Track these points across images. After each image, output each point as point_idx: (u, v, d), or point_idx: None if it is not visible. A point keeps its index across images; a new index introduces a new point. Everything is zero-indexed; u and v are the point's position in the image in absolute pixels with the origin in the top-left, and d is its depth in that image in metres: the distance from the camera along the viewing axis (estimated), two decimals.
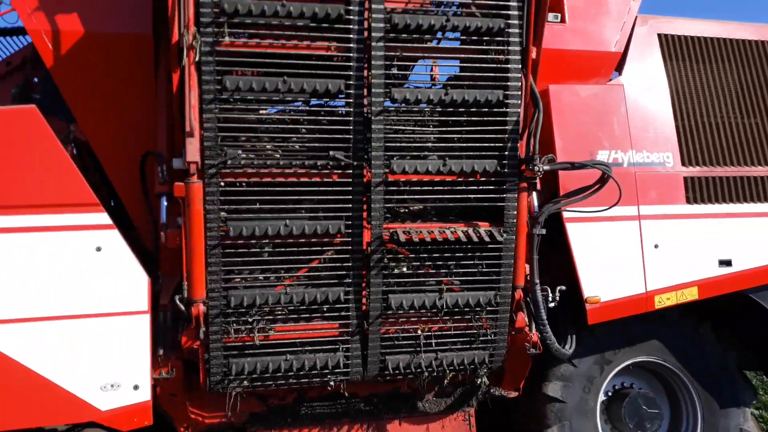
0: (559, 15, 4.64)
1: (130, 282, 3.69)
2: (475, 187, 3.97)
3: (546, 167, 3.94)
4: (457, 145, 3.95)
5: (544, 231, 4.16)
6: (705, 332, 5.00)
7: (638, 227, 4.56)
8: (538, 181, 4.20)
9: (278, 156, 3.76)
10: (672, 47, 4.88)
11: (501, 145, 3.94)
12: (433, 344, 4.09)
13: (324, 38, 3.71)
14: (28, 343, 3.53)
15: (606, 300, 4.42)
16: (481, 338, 4.17)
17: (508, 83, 3.92)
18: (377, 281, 3.91)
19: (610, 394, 5.05)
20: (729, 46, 4.97)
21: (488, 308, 4.12)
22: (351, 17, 3.69)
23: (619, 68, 4.77)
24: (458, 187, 3.96)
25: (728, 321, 5.17)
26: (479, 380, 4.28)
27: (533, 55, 3.96)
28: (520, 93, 3.93)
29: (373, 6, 3.69)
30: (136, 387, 3.65)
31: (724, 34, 4.98)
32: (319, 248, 3.86)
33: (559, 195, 4.33)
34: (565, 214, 4.40)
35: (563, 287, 4.40)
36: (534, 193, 4.30)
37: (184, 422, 4.23)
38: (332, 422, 4.47)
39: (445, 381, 4.31)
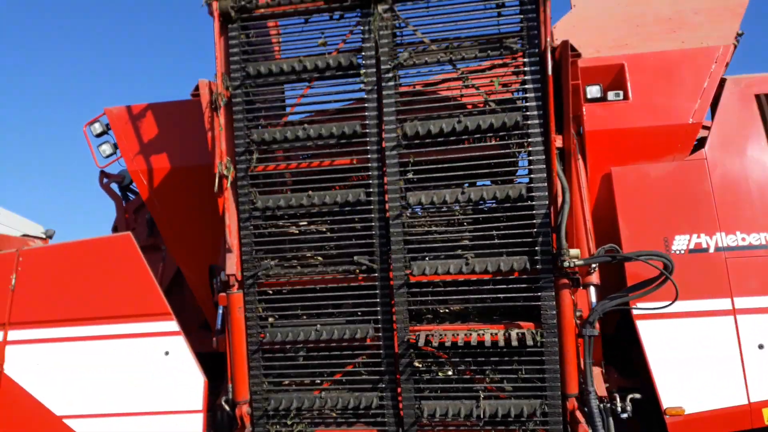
0: (621, 92, 4.30)
1: (189, 383, 4.14)
2: (504, 286, 3.75)
3: (579, 262, 3.59)
4: (482, 242, 3.81)
5: (596, 332, 3.72)
6: None
7: (734, 323, 3.82)
8: (584, 276, 3.83)
9: (307, 265, 4.01)
10: None
11: (530, 240, 3.71)
12: None
13: (344, 153, 3.96)
14: None
15: (692, 412, 3.73)
16: None
17: (532, 176, 3.72)
18: (408, 386, 3.85)
19: None
20: None
21: (535, 419, 3.75)
22: (368, 131, 3.90)
23: (702, 140, 4.21)
24: (485, 287, 3.78)
25: None
26: None
27: (558, 144, 3.73)
28: (545, 185, 3.69)
29: (385, 118, 3.85)
30: None
31: None
32: (352, 352, 3.95)
33: (623, 289, 3.87)
34: (635, 311, 3.89)
35: (637, 395, 3.84)
36: (592, 289, 3.90)
37: None
38: None
39: None
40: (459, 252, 3.86)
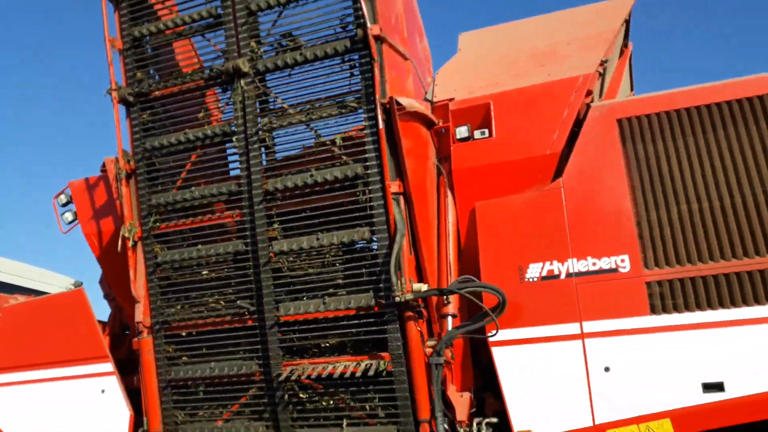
0: (487, 130, 4.54)
1: (118, 417, 4.79)
2: (357, 321, 4.10)
3: (408, 296, 3.89)
4: (335, 283, 4.19)
5: (442, 360, 3.97)
6: None
7: (581, 347, 3.92)
8: (441, 307, 4.11)
9: (206, 309, 4.56)
10: (634, 130, 4.25)
11: (374, 278, 4.05)
12: None
13: (232, 207, 4.52)
14: None
15: None
16: None
17: (374, 220, 4.08)
18: (285, 416, 4.27)
19: None
20: (707, 113, 4.08)
21: None
22: (242, 189, 4.43)
23: (560, 169, 4.35)
24: (342, 323, 4.15)
25: None
26: None
27: (393, 189, 4.06)
28: (386, 227, 4.04)
29: (253, 177, 4.37)
30: None
31: (697, 100, 4.13)
32: (244, 386, 4.43)
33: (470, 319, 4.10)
34: (491, 339, 4.09)
35: (493, 419, 4.02)
36: (449, 319, 4.16)
37: None
38: None
39: None
40: (319, 293, 4.27)
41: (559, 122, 4.38)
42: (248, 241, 4.39)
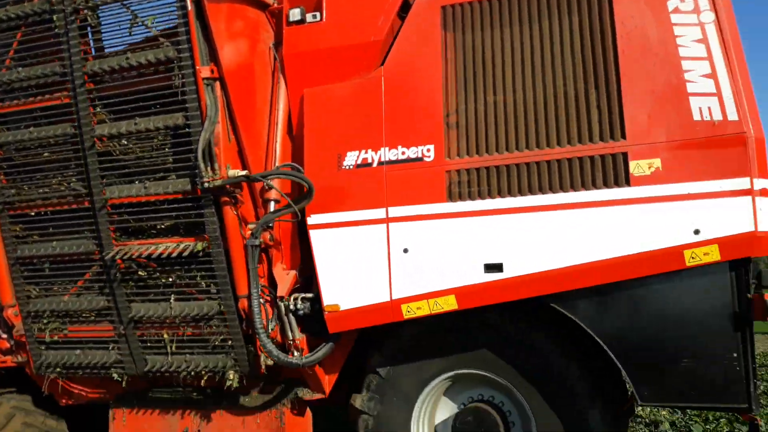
0: (318, 14, 4.48)
1: None
2: (178, 205, 4.28)
3: (218, 183, 4.05)
4: (157, 167, 4.31)
5: (257, 242, 4.21)
6: (539, 342, 4.18)
7: (386, 231, 4.18)
8: (265, 193, 4.28)
9: (46, 191, 4.67)
10: (456, 18, 4.23)
11: (191, 164, 4.17)
12: (179, 348, 4.53)
13: (59, 89, 4.50)
14: None
15: (346, 308, 4.21)
16: (219, 345, 4.44)
17: (186, 105, 4.13)
18: (120, 292, 4.55)
19: (464, 405, 4.63)
20: (527, 4, 4.07)
21: (217, 317, 4.38)
22: (66, 70, 4.39)
23: (385, 57, 4.36)
24: (164, 207, 4.33)
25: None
26: (229, 383, 4.53)
27: (205, 74, 4.07)
28: (198, 113, 4.10)
29: (74, 59, 4.32)
30: None
31: None
32: (86, 264, 4.66)
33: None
34: (310, 221, 4.32)
35: (309, 295, 4.35)
36: (271, 204, 4.35)
37: (65, 396, 5.44)
38: (170, 406, 5.16)
39: (202, 381, 4.66)
40: (151, 177, 4.39)
41: (384, 8, 4.33)
42: (75, 124, 4.42)
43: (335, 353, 4.66)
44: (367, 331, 4.43)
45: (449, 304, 4.03)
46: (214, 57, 4.13)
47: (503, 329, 4.20)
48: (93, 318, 4.76)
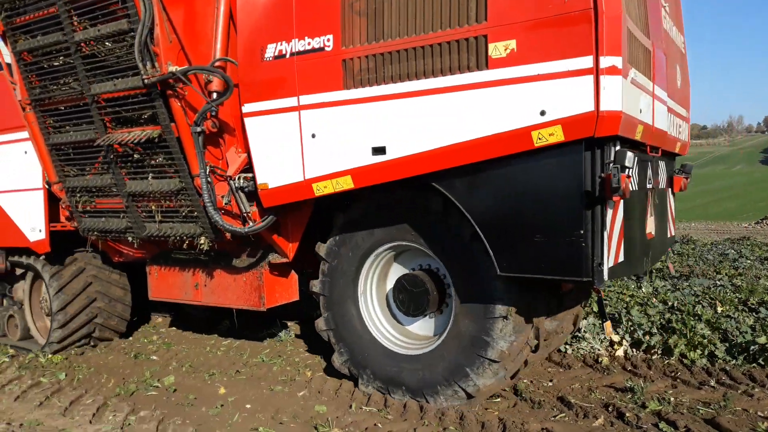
0: None
1: (36, 171, 6.41)
2: (138, 99, 5.09)
3: (153, 80, 4.75)
4: (125, 67, 5.08)
5: (198, 129, 4.91)
6: (438, 208, 4.53)
7: (298, 118, 4.66)
8: (185, 88, 4.93)
9: (57, 90, 5.72)
10: None
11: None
12: (164, 218, 5.55)
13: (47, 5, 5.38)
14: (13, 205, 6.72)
15: (273, 186, 4.85)
16: (188, 215, 5.37)
17: (128, 12, 4.80)
18: (118, 172, 5.59)
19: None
20: None
21: (182, 192, 5.27)
22: None
23: None
24: (130, 100, 5.16)
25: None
26: (201, 246, 5.48)
27: None
28: (137, 18, 4.75)
29: None
30: (39, 231, 6.47)
31: None
32: (97, 150, 5.73)
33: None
34: (243, 110, 4.92)
35: (250, 175, 5.05)
36: (214, 95, 4.98)
37: (116, 255, 6.85)
38: (186, 265, 6.34)
39: (184, 245, 5.67)
40: (116, 75, 5.19)
41: None
42: (64, 32, 5.31)
43: (293, 225, 5.41)
44: (323, 205, 5.09)
45: (347, 183, 4.51)
46: None
47: (417, 205, 4.59)
48: (108, 193, 5.89)
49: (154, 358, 6.75)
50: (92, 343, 7.23)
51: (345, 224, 5.06)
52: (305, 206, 5.23)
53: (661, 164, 5.37)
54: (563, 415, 4.55)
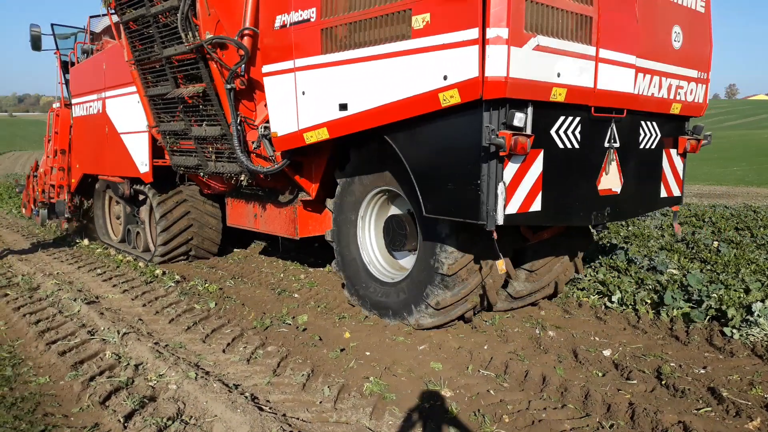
0: None
1: (142, 116, 8.09)
2: (189, 62, 6.38)
3: (192, 47, 5.96)
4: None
5: (228, 86, 6.08)
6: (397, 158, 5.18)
7: (294, 78, 5.60)
8: (222, 52, 6.08)
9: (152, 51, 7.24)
10: None
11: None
12: (217, 158, 6.89)
13: None
14: (131, 144, 8.54)
15: (280, 135, 5.89)
16: (230, 156, 6.63)
17: None
18: (187, 119, 7.01)
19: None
20: None
21: (223, 138, 6.53)
22: None
23: None
24: (185, 64, 6.48)
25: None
26: (242, 181, 6.74)
27: None
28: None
29: None
30: (146, 165, 8.20)
31: None
32: (176, 101, 7.20)
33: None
34: (263, 70, 5.98)
35: (268, 124, 6.14)
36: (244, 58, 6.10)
37: (205, 188, 8.42)
38: (249, 198, 7.68)
39: (232, 181, 6.95)
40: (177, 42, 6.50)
41: None
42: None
43: (312, 167, 6.44)
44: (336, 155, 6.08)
45: (325, 134, 5.40)
46: None
47: (387, 154, 5.35)
48: (185, 136, 7.35)
49: (296, 296, 6.96)
50: (189, 259, 8.98)
51: (344, 175, 5.97)
52: (323, 151, 6.20)
53: (647, 125, 5.50)
54: (709, 409, 3.93)
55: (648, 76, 5.26)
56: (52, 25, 11.61)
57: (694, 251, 8.92)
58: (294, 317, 5.99)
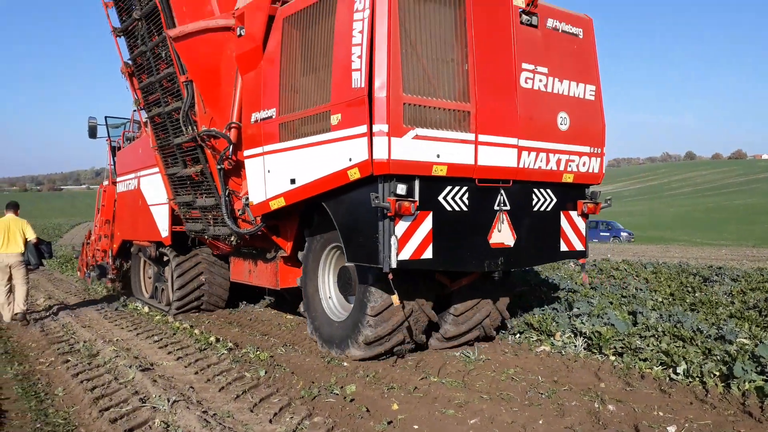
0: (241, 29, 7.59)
1: (164, 191, 9.92)
2: (191, 148, 8.17)
3: (189, 137, 7.73)
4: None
5: (219, 166, 7.80)
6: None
7: (262, 160, 7.25)
8: (214, 142, 7.83)
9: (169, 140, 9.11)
10: (294, 20, 6.85)
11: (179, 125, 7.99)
12: (213, 223, 8.57)
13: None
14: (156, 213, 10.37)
15: (255, 203, 7.49)
16: (221, 221, 8.28)
17: (180, 96, 7.89)
18: (193, 192, 8.75)
19: None
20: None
21: (216, 207, 8.21)
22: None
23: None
24: (188, 149, 8.28)
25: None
26: (232, 242, 8.34)
27: (183, 79, 7.74)
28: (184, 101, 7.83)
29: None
30: (166, 231, 9.95)
31: None
32: (184, 179, 8.97)
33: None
34: (243, 154, 7.68)
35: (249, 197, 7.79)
36: (231, 147, 7.83)
37: (215, 249, 10.10)
38: (245, 256, 9.28)
39: (226, 242, 8.56)
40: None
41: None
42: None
43: (287, 229, 8.00)
44: (305, 218, 7.63)
45: (282, 202, 6.99)
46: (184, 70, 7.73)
47: (329, 217, 6.84)
48: (193, 206, 9.08)
49: (345, 364, 6.72)
50: (200, 311, 10.55)
51: (311, 233, 7.48)
52: (293, 215, 7.75)
53: (540, 191, 6.82)
54: None
55: (534, 153, 6.63)
56: (105, 117, 13.90)
57: (767, 319, 8.40)
58: (342, 387, 5.80)
